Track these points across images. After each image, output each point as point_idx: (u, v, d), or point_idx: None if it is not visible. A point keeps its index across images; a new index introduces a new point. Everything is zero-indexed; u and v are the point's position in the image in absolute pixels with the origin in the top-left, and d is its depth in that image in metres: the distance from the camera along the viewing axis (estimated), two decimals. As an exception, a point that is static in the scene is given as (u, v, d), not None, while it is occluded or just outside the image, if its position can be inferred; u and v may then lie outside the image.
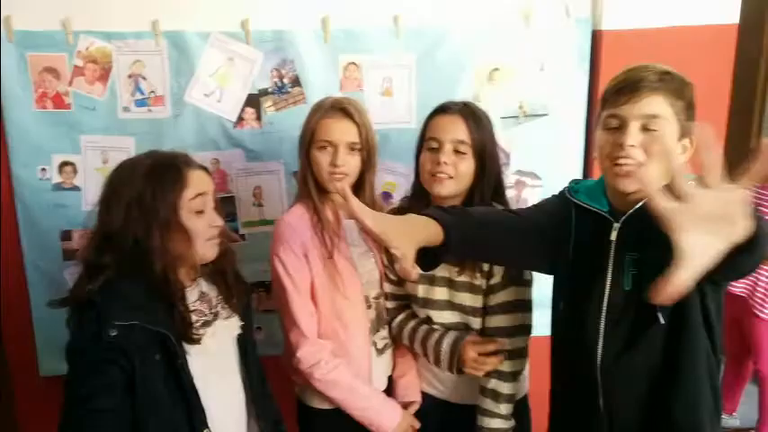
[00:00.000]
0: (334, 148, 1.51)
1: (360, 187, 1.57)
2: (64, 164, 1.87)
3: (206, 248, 1.29)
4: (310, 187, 1.55)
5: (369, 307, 1.61)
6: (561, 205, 1.38)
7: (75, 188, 1.88)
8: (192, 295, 1.32)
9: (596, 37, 1.98)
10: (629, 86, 1.19)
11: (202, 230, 1.27)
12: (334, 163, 1.51)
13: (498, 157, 1.54)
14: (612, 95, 1.22)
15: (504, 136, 1.98)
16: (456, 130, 1.47)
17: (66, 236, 1.91)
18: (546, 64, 1.98)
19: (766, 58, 2.62)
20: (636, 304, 1.23)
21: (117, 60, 1.80)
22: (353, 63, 1.90)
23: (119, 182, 1.26)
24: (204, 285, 1.37)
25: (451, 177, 1.47)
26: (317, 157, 1.53)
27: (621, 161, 1.19)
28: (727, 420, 2.74)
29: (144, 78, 1.82)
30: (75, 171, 1.88)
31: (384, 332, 1.65)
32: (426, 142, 1.51)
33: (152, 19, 1.77)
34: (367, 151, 1.55)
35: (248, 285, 1.47)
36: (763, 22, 2.48)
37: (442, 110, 1.52)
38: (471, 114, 1.49)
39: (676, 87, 1.19)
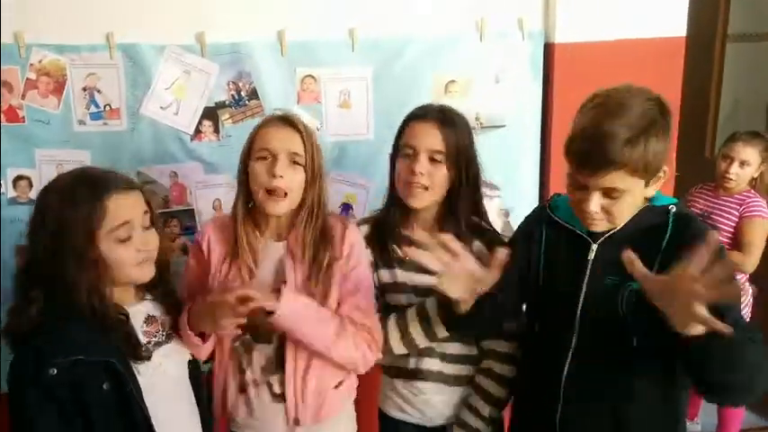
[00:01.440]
0: (274, 158, 1.37)
1: (297, 220, 1.42)
2: (18, 178, 1.85)
3: (136, 273, 1.24)
4: (238, 209, 1.43)
5: (269, 342, 1.45)
6: (532, 223, 1.40)
7: (31, 202, 1.85)
8: (137, 316, 1.28)
9: (549, 49, 2.03)
10: (591, 158, 1.15)
11: (128, 258, 1.21)
12: (272, 172, 1.36)
13: (477, 164, 1.50)
14: (575, 157, 1.18)
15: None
16: (432, 139, 1.43)
17: (22, 251, 1.88)
18: (501, 76, 2.02)
19: (717, 70, 2.71)
20: (611, 324, 1.22)
21: (71, 73, 1.79)
22: (311, 76, 1.92)
23: (42, 206, 1.21)
24: (151, 307, 1.33)
25: (426, 188, 1.44)
26: (254, 168, 1.39)
27: (588, 219, 1.22)
28: (689, 426, 2.78)
29: (99, 91, 1.81)
30: (30, 185, 1.86)
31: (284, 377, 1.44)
32: (402, 149, 1.48)
33: (106, 31, 1.77)
34: (311, 168, 1.40)
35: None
36: (712, 34, 2.57)
37: (418, 116, 1.48)
38: (448, 121, 1.45)
39: (641, 154, 1.13)
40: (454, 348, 1.54)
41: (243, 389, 1.47)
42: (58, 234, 1.17)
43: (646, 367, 1.23)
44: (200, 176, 1.92)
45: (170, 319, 1.36)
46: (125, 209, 1.21)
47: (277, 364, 1.45)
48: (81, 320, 1.17)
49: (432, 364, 1.54)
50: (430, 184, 1.44)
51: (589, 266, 1.27)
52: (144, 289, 1.33)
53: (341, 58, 1.92)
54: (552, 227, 1.35)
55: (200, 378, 1.41)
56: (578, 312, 1.27)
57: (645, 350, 1.20)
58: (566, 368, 1.28)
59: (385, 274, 1.55)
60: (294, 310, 1.36)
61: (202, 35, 1.82)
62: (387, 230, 1.55)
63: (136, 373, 1.22)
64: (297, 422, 1.45)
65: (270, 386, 1.45)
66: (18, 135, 1.81)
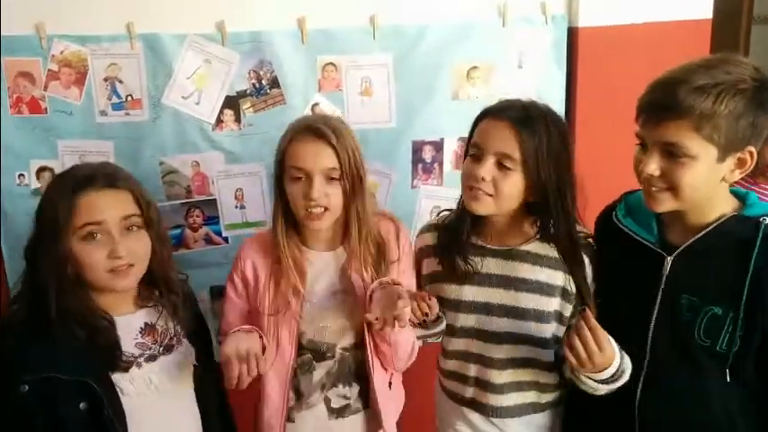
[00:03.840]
0: (309, 178, 1.29)
1: (345, 225, 1.37)
2: (42, 169, 1.85)
3: (108, 280, 1.17)
4: (279, 225, 1.36)
5: (331, 358, 1.41)
6: (597, 236, 1.29)
7: (54, 193, 1.87)
8: (132, 324, 1.24)
9: (572, 34, 2.00)
10: (654, 104, 1.06)
11: (97, 262, 1.15)
12: (309, 195, 1.28)
13: (571, 174, 1.27)
14: (640, 109, 1.10)
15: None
16: (503, 141, 1.22)
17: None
18: (523, 62, 2.00)
19: (743, 52, 2.66)
20: (687, 351, 1.11)
21: (92, 64, 1.78)
22: (332, 63, 1.90)
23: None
24: (151, 316, 1.27)
25: (491, 195, 1.25)
26: (290, 190, 1.31)
27: (645, 184, 1.11)
28: None
29: (120, 82, 1.80)
30: (53, 176, 1.86)
31: (345, 390, 1.43)
32: (470, 146, 1.30)
33: (126, 21, 1.75)
34: (350, 179, 1.31)
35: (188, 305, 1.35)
36: (737, 16, 2.52)
37: (493, 111, 1.28)
38: (529, 121, 1.23)
39: (711, 108, 1.01)
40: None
41: (293, 412, 1.44)
42: (36, 231, 1.17)
43: (734, 405, 1.11)
44: (221, 166, 1.92)
45: (177, 327, 1.29)
46: (96, 208, 1.16)
47: (338, 378, 1.42)
48: (63, 329, 1.12)
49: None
50: (494, 193, 1.24)
51: (662, 283, 1.14)
52: (145, 297, 1.27)
53: (362, 45, 1.90)
54: (617, 236, 1.21)
55: (214, 388, 1.35)
56: (650, 335, 1.15)
57: (733, 386, 1.09)
58: (638, 396, 1.18)
59: (450, 290, 1.37)
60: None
61: (223, 24, 1.81)
62: (456, 239, 1.36)
63: (119, 391, 1.16)
64: None
65: (327, 402, 1.43)
66: (41, 126, 1.81)
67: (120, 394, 1.16)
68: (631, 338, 1.17)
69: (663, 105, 1.04)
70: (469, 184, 1.26)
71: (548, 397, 1.39)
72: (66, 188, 1.17)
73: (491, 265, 1.34)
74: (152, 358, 1.23)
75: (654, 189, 1.09)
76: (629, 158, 1.98)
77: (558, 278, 1.31)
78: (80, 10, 1.74)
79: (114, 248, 1.16)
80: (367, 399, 1.45)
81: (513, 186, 1.24)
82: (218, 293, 1.83)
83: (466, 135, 1.94)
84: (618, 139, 2.00)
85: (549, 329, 1.32)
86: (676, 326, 1.12)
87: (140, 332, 1.25)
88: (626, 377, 1.18)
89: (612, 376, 1.17)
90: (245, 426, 1.51)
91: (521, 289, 1.31)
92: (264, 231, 1.50)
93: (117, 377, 1.18)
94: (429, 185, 2.04)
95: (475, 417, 1.41)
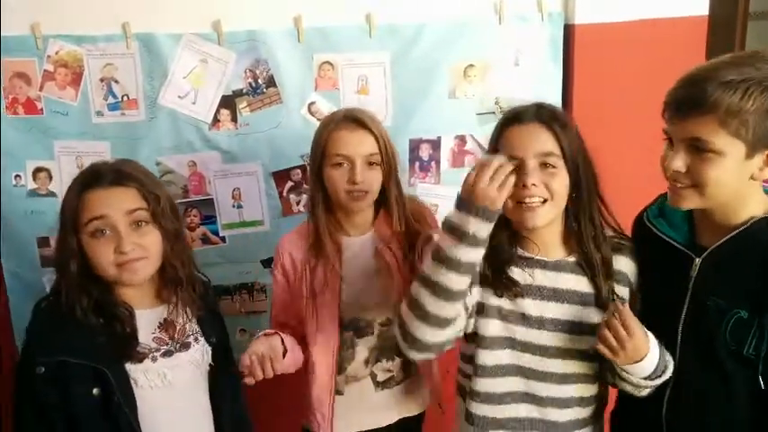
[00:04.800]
0: (351, 164, 1.39)
1: (385, 204, 1.47)
2: (38, 170, 1.84)
3: (116, 273, 1.21)
4: (318, 211, 1.45)
5: (371, 333, 1.52)
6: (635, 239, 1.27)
7: (51, 194, 1.86)
8: (150, 319, 1.27)
9: (569, 31, 2.00)
10: (680, 100, 1.04)
11: (103, 256, 1.19)
12: (353, 179, 1.38)
13: (593, 167, 1.25)
14: (667, 105, 1.07)
15: (481, 132, 1.99)
16: (540, 143, 1.19)
17: (43, 242, 1.88)
18: (520, 59, 2.00)
19: (739, 48, 2.65)
20: (716, 354, 1.09)
21: (88, 64, 1.77)
22: (328, 62, 1.90)
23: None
24: (170, 312, 1.29)
25: (545, 201, 1.20)
26: (331, 175, 1.40)
27: (671, 180, 1.08)
28: None
29: (116, 82, 1.80)
30: (49, 177, 1.85)
31: (388, 364, 1.54)
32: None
33: (122, 21, 1.75)
34: (387, 163, 1.43)
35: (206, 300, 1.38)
36: (734, 13, 2.51)
37: (513, 119, 1.23)
38: (554, 118, 1.22)
39: (739, 104, 0.98)
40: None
41: (341, 386, 1.54)
42: (58, 225, 1.23)
43: (763, 413, 1.07)
44: (218, 166, 1.91)
45: (195, 326, 1.32)
46: (101, 204, 1.19)
47: (380, 353, 1.52)
48: (83, 317, 1.18)
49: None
50: (549, 195, 1.19)
51: (691, 285, 1.12)
52: (166, 293, 1.30)
53: (358, 43, 1.89)
54: (648, 238, 1.20)
55: (229, 389, 1.37)
56: (679, 338, 1.13)
57: (764, 393, 1.05)
58: (665, 401, 1.16)
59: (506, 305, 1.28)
60: None
61: (219, 23, 1.80)
62: (502, 256, 1.27)
63: (133, 382, 1.20)
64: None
65: (374, 377, 1.54)
66: (37, 127, 1.80)
67: (133, 385, 1.20)
68: (661, 341, 1.15)
69: (689, 101, 1.02)
70: (519, 198, 1.19)
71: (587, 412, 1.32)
72: (77, 186, 1.22)
73: (541, 278, 1.28)
74: (168, 354, 1.26)
75: (679, 185, 1.07)
76: (626, 155, 2.01)
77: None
78: (76, 10, 1.74)
79: (120, 243, 1.19)
80: (409, 370, 1.57)
81: (562, 183, 1.20)
82: (217, 293, 1.83)
83: (463, 133, 1.95)
84: (615, 136, 2.02)
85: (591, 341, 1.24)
86: (704, 329, 1.10)
87: (159, 327, 1.28)
88: (669, 372, 1.15)
89: (655, 370, 1.15)
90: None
91: (572, 301, 1.26)
92: (298, 226, 1.58)
93: (131, 368, 1.21)
94: (426, 184, 2.04)
95: None
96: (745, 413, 1.10)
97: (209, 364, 1.33)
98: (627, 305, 1.14)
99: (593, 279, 1.24)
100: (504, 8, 1.94)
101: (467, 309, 1.24)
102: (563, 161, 1.20)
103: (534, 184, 1.17)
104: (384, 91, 1.94)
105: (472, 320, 1.27)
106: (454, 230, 1.09)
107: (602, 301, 1.24)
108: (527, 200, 1.18)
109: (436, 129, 2.00)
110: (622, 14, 1.98)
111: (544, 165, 1.19)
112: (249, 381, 1.28)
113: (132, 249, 1.20)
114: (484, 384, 1.29)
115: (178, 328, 1.30)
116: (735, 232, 1.07)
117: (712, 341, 1.09)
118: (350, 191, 1.40)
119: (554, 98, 2.02)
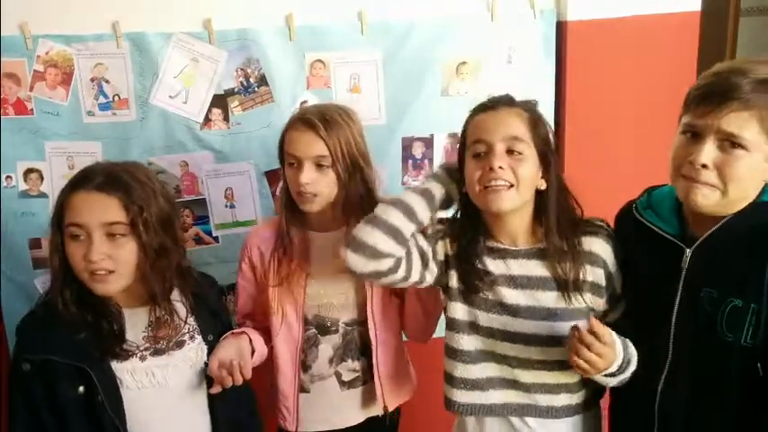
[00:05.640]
0: (299, 163, 1.39)
1: (349, 211, 1.41)
2: (29, 171, 1.84)
3: (87, 281, 1.19)
4: (282, 205, 1.48)
5: (335, 332, 1.51)
6: (618, 232, 1.26)
7: (43, 195, 1.85)
8: (140, 317, 1.26)
9: (561, 27, 1.99)
10: (713, 91, 1.01)
11: (76, 262, 1.18)
12: (298, 180, 1.38)
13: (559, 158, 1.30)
14: (695, 97, 1.05)
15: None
16: (508, 127, 1.21)
17: (35, 244, 1.87)
18: (513, 56, 1.99)
19: (731, 44, 2.66)
20: (711, 345, 1.08)
21: (78, 64, 1.76)
22: (320, 60, 1.89)
23: None
24: (160, 311, 1.27)
25: (512, 185, 1.20)
26: (287, 174, 1.43)
27: (693, 176, 1.04)
28: None
29: (107, 81, 1.79)
30: (41, 178, 1.84)
31: (354, 364, 1.53)
32: (469, 148, 1.25)
33: (112, 20, 1.74)
34: (345, 165, 1.39)
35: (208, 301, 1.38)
36: (726, 8, 2.53)
37: (484, 107, 1.27)
38: (523, 105, 1.26)
39: None
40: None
41: (306, 384, 1.54)
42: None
43: (758, 404, 1.06)
44: (210, 165, 1.90)
45: (190, 325, 1.32)
46: (80, 210, 1.18)
47: (345, 353, 1.52)
48: (71, 315, 1.19)
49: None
50: (515, 180, 1.20)
51: (682, 276, 1.11)
52: (155, 294, 1.28)
53: (350, 41, 1.88)
54: (638, 230, 1.19)
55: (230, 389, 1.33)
56: (672, 330, 1.12)
57: (760, 383, 1.04)
58: (657, 396, 1.16)
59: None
60: None
61: (209, 22, 1.79)
62: (472, 247, 1.30)
63: (119, 383, 1.20)
64: (385, 409, 1.54)
65: (339, 376, 1.53)
66: (27, 128, 1.79)
67: (119, 385, 1.20)
68: (655, 335, 1.15)
69: (724, 93, 0.99)
70: (485, 182, 1.21)
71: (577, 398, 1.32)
72: (69, 183, 1.23)
73: (514, 266, 1.30)
74: (159, 352, 1.25)
75: (702, 181, 1.03)
76: (618, 152, 2.01)
77: (591, 274, 1.28)
78: (65, 9, 1.73)
79: (88, 252, 1.17)
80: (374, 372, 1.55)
81: (529, 170, 1.22)
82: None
83: (456, 131, 1.93)
84: (608, 131, 2.02)
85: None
86: (698, 320, 1.09)
87: (149, 326, 1.27)
88: (633, 366, 1.19)
89: (619, 368, 1.17)
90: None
91: (545, 288, 1.27)
92: (270, 219, 1.60)
93: (117, 367, 1.21)
94: (419, 182, 2.03)
95: (515, 420, 1.33)
96: (739, 403, 1.09)
97: (205, 363, 1.32)
98: (594, 319, 1.14)
99: (559, 264, 1.26)
100: (497, 5, 1.93)
101: (422, 255, 1.30)
102: (532, 149, 1.22)
103: (501, 167, 1.19)
104: (376, 89, 1.93)
105: (428, 273, 1.31)
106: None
107: (569, 287, 1.25)
108: (493, 182, 1.20)
109: (429, 127, 1.99)
110: (615, 11, 1.97)
111: (511, 151, 1.21)
112: (216, 389, 1.27)
113: (102, 259, 1.17)
114: (462, 370, 1.32)
115: (171, 327, 1.29)
116: (723, 221, 1.07)
117: (707, 332, 1.08)
118: (298, 192, 1.40)
119: (547, 95, 2.02)
